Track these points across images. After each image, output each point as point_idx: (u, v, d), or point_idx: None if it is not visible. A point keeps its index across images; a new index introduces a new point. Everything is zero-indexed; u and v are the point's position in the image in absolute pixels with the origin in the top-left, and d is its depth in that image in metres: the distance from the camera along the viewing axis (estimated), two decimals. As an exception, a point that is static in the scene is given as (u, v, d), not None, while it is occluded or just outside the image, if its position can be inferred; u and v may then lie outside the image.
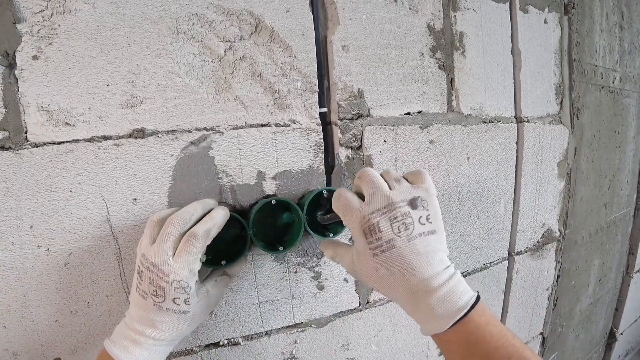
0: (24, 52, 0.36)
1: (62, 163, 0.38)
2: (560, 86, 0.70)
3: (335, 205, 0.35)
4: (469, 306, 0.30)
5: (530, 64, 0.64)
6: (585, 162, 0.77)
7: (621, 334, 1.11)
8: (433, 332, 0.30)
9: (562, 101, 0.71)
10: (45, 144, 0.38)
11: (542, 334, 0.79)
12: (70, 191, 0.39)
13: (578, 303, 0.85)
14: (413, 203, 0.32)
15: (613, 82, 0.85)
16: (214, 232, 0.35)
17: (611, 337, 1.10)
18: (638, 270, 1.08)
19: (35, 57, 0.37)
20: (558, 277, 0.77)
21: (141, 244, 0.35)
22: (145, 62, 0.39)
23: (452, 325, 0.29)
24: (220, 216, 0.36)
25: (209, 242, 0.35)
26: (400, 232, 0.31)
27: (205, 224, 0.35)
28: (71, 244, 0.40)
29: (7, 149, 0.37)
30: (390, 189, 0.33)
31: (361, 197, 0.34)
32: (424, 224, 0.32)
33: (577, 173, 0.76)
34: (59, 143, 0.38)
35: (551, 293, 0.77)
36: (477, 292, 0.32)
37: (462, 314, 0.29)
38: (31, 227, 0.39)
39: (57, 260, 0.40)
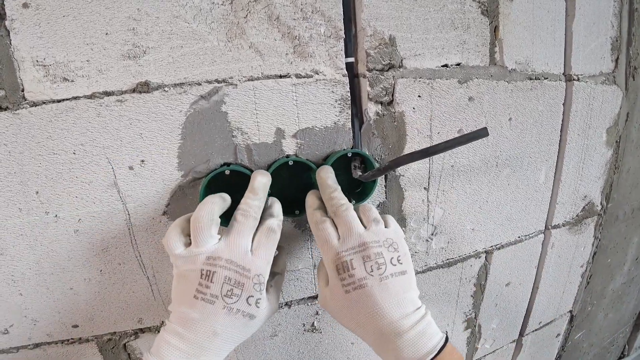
0: (13, 0, 0.32)
1: (62, 123, 0.35)
2: (617, 40, 0.61)
3: (315, 235, 0.36)
4: (437, 350, 0.30)
5: (585, 12, 0.55)
6: (636, 130, 0.69)
7: (650, 314, 1.06)
8: None
9: (617, 58, 0.62)
10: (44, 103, 0.35)
11: (571, 311, 0.76)
12: (74, 153, 0.36)
13: (612, 282, 0.81)
14: (385, 244, 0.33)
15: (674, 39, 0.74)
16: (281, 228, 0.35)
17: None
18: (677, 249, 1.01)
19: (25, 5, 0.33)
20: (594, 254, 0.72)
21: (203, 245, 0.31)
22: (147, 5, 0.34)
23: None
24: (280, 207, 0.37)
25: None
26: (372, 271, 0.32)
27: (278, 217, 0.35)
28: (79, 210, 0.38)
29: (4, 109, 0.34)
30: (365, 228, 0.34)
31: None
32: (395, 265, 0.32)
33: (627, 142, 0.68)
34: (59, 101, 0.35)
35: (585, 270, 0.72)
36: (446, 332, 0.33)
37: (430, 357, 0.30)
38: (37, 192, 0.36)
39: (66, 227, 0.38)
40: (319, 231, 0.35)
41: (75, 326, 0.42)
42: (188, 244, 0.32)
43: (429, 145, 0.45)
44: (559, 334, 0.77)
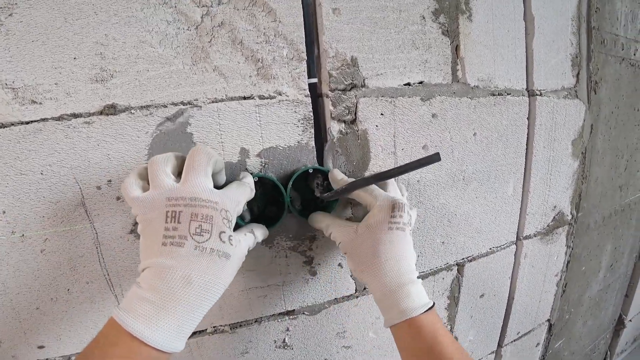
0: None
1: (30, 144, 0.36)
2: (577, 57, 0.64)
3: (363, 190, 0.39)
4: (431, 304, 0.36)
5: (544, 31, 0.58)
6: (601, 141, 0.72)
7: (630, 320, 1.08)
8: (407, 317, 0.34)
9: (578, 73, 0.65)
10: (12, 124, 0.35)
11: (549, 320, 0.76)
12: (42, 174, 0.36)
13: (588, 289, 0.82)
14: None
15: (635, 54, 0.78)
16: (253, 194, 0.36)
17: (620, 324, 1.06)
18: (653, 255, 1.03)
19: (-4, 30, 0.34)
20: (568, 262, 0.73)
21: (160, 185, 0.29)
22: (114, 31, 0.36)
23: (422, 313, 0.34)
24: (251, 177, 0.37)
25: (251, 197, 0.36)
26: (407, 222, 0.38)
27: (251, 182, 0.36)
28: (46, 230, 0.38)
29: (-28, 130, 0.35)
30: None
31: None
32: (412, 225, 0.40)
33: (593, 152, 0.70)
34: (27, 123, 0.36)
35: (560, 279, 0.73)
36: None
37: (430, 305, 0.35)
38: (4, 212, 0.37)
39: (33, 247, 0.38)
40: (367, 189, 0.39)
41: (42, 347, 0.41)
42: (147, 188, 0.31)
43: (392, 162, 0.46)
44: (538, 344, 0.78)
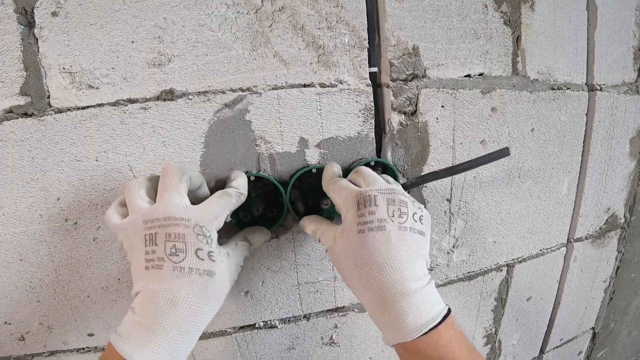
0: (43, 9, 0.33)
1: (86, 130, 0.35)
2: (639, 49, 0.60)
3: (331, 188, 0.33)
4: (440, 319, 0.28)
5: (607, 21, 0.55)
6: (658, 140, 0.67)
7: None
8: (399, 341, 0.28)
9: None
10: (69, 110, 0.35)
11: (593, 328, 0.73)
12: (96, 160, 0.36)
13: (636, 298, 0.78)
14: (411, 199, 0.31)
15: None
16: (243, 198, 0.33)
17: (663, 335, 1.01)
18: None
19: (54, 14, 0.33)
20: (618, 268, 0.70)
21: (136, 210, 0.29)
22: (173, 14, 0.35)
23: (421, 335, 0.27)
24: (244, 181, 0.35)
25: (236, 207, 0.33)
26: (394, 216, 0.29)
27: (238, 188, 0.33)
28: (99, 218, 0.38)
29: (30, 116, 0.34)
30: None
31: None
32: (416, 222, 0.30)
33: (650, 152, 0.66)
34: (83, 108, 0.35)
35: (609, 285, 0.70)
36: (448, 305, 0.30)
37: (433, 324, 0.27)
38: (58, 199, 0.36)
39: (85, 235, 0.38)
40: (335, 183, 0.33)
41: (91, 334, 0.41)
42: (127, 214, 0.30)
43: (450, 156, 0.44)
44: (580, 352, 0.74)
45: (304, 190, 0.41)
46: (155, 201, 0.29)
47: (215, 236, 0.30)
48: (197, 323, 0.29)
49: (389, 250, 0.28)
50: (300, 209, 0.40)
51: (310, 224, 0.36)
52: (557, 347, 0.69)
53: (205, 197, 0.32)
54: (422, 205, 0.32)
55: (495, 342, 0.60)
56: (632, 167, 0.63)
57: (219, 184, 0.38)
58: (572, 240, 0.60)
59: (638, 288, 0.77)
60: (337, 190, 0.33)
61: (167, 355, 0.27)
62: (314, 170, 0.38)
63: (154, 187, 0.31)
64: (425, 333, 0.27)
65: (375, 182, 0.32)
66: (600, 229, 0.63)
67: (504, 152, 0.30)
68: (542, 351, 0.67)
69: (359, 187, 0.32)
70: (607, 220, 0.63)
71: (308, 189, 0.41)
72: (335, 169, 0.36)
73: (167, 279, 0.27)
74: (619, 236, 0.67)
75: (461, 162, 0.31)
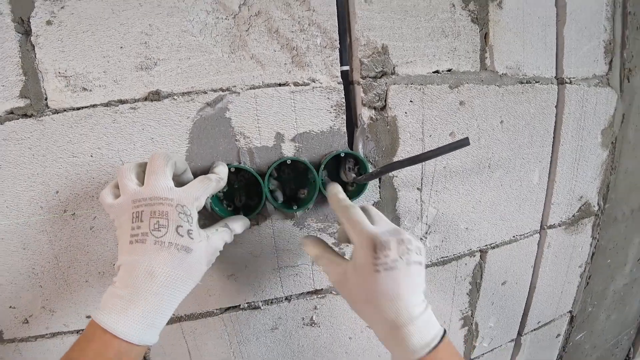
0: (38, 18, 0.36)
1: (82, 128, 0.38)
2: (610, 44, 0.62)
3: (346, 216, 0.36)
4: (440, 337, 0.32)
5: (576, 17, 0.57)
6: (633, 131, 0.70)
7: (657, 316, 1.05)
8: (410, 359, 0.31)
9: (611, 61, 0.63)
10: (65, 110, 0.38)
11: (570, 312, 0.76)
12: (91, 156, 0.39)
13: (612, 283, 0.81)
14: (411, 234, 0.35)
15: (673, 40, 0.75)
16: (222, 183, 0.37)
17: (645, 319, 1.04)
18: (683, 250, 1.00)
19: (49, 22, 0.37)
20: (593, 254, 0.72)
21: (126, 191, 0.32)
22: (158, 21, 0.38)
23: (427, 354, 0.30)
24: (224, 169, 0.38)
25: (216, 191, 0.36)
26: (402, 255, 0.32)
27: (219, 174, 0.37)
28: (95, 208, 0.41)
29: (29, 117, 0.38)
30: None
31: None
32: (418, 255, 0.34)
33: (623, 143, 0.68)
34: (78, 109, 0.38)
35: (584, 271, 0.72)
36: (444, 328, 0.33)
37: (434, 344, 0.31)
38: (57, 192, 0.40)
39: (83, 224, 0.41)
40: (351, 213, 0.35)
41: (89, 317, 0.45)
42: (118, 196, 0.33)
43: (420, 148, 0.47)
44: (559, 335, 0.78)
45: (283, 180, 0.44)
46: (143, 184, 0.32)
47: (195, 216, 0.33)
48: (173, 295, 0.31)
49: (399, 287, 0.32)
50: (278, 198, 0.44)
51: (314, 248, 0.38)
52: (534, 329, 0.72)
53: (189, 181, 0.35)
54: (418, 239, 0.36)
55: (472, 324, 0.63)
56: (605, 157, 0.66)
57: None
58: (545, 227, 0.63)
59: (615, 273, 0.79)
60: (351, 222, 0.35)
61: (143, 324, 0.29)
62: (288, 162, 0.41)
63: (143, 172, 0.34)
64: (429, 352, 0.31)
65: (382, 222, 0.36)
66: (573, 216, 0.66)
67: (464, 142, 0.32)
68: (520, 333, 0.71)
69: (369, 221, 0.35)
70: (580, 207, 0.66)
71: (286, 179, 0.44)
72: (337, 189, 0.39)
73: (149, 252, 0.30)
74: (593, 223, 0.69)
75: (422, 152, 0.34)
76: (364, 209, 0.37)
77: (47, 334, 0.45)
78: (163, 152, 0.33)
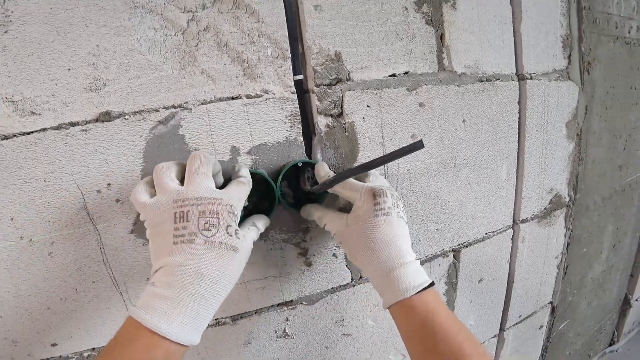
0: None
1: (32, 153, 0.38)
2: (568, 38, 0.64)
3: (342, 185, 0.39)
4: (427, 283, 0.36)
5: (532, 14, 0.58)
6: (597, 122, 0.71)
7: (636, 300, 1.07)
8: (399, 298, 0.35)
9: (570, 55, 0.65)
10: (15, 135, 0.37)
11: (551, 302, 0.77)
12: (45, 181, 0.38)
13: (590, 271, 0.82)
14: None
15: (629, 32, 0.77)
16: (251, 183, 0.37)
17: (625, 304, 1.06)
18: (657, 234, 1.02)
19: (-7, 47, 0.36)
20: (568, 244, 0.73)
21: (166, 190, 0.31)
22: (105, 41, 0.37)
23: (415, 294, 0.34)
24: (247, 171, 0.39)
25: (249, 191, 0.37)
26: (394, 207, 0.38)
27: (246, 177, 0.37)
28: (52, 233, 0.40)
29: (-22, 143, 0.37)
30: None
31: None
32: (403, 212, 0.40)
33: (589, 134, 0.70)
34: (28, 133, 0.37)
35: (561, 261, 0.73)
36: (432, 280, 0.37)
37: (424, 286, 0.35)
38: (12, 219, 0.39)
39: (41, 250, 0.40)
40: (345, 181, 0.39)
41: (55, 344, 0.44)
42: (154, 194, 0.32)
43: (381, 153, 0.47)
44: (541, 326, 0.78)
45: (291, 182, 0.45)
46: (182, 184, 0.32)
47: (239, 217, 0.34)
48: (219, 295, 0.31)
49: (393, 231, 0.37)
50: (289, 199, 0.44)
51: (316, 211, 0.42)
52: (516, 323, 0.72)
53: (220, 184, 0.36)
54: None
55: (451, 322, 0.63)
56: (571, 149, 0.67)
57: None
58: (518, 221, 0.64)
59: (592, 261, 0.81)
60: (349, 187, 0.39)
61: (191, 327, 0.28)
62: (300, 164, 0.42)
63: (181, 172, 0.34)
64: (418, 292, 0.34)
65: (378, 179, 0.42)
66: (545, 209, 0.67)
67: (417, 145, 0.32)
68: (502, 328, 0.71)
69: (364, 182, 0.40)
70: (551, 200, 0.67)
71: (294, 181, 0.45)
72: (326, 167, 0.42)
73: (197, 252, 0.29)
74: (565, 214, 0.70)
75: (376, 157, 0.34)
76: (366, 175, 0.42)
77: (11, 366, 0.43)
78: (203, 152, 0.34)
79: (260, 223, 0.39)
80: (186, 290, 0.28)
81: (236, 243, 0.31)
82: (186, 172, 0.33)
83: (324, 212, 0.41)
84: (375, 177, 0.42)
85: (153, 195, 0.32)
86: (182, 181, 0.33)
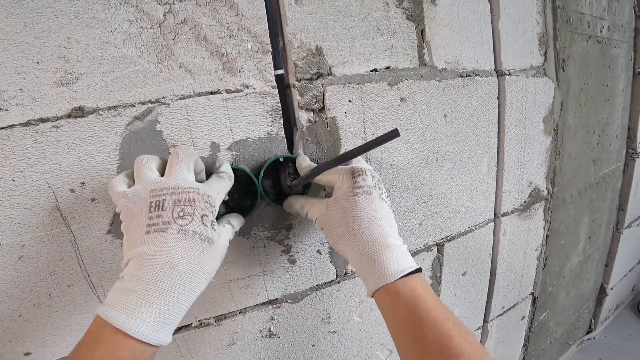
0: None
1: (0, 151, 0.36)
2: (544, 36, 0.66)
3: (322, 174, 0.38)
4: (414, 268, 0.34)
5: (510, 11, 0.60)
6: (572, 117, 0.74)
7: (611, 289, 1.12)
8: (383, 283, 0.33)
9: (546, 52, 0.67)
10: (-20, 132, 0.35)
11: (532, 294, 0.79)
12: (13, 180, 0.36)
13: (568, 261, 0.85)
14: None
15: (601, 32, 0.80)
16: (232, 179, 0.37)
17: (602, 293, 1.10)
18: (628, 226, 1.07)
19: (-46, 38, 0.34)
20: (547, 236, 0.76)
21: (145, 179, 0.30)
22: (76, 33, 0.36)
23: (400, 278, 0.33)
24: (229, 166, 0.38)
25: (230, 187, 0.37)
26: (375, 187, 0.37)
27: (227, 172, 0.37)
28: (22, 236, 0.38)
29: (-60, 141, 0.34)
30: None
31: None
32: (387, 198, 0.39)
33: (564, 129, 0.72)
34: (-6, 130, 0.36)
35: (540, 253, 0.76)
36: (420, 266, 0.35)
37: (410, 270, 0.33)
38: (-22, 221, 0.37)
39: (10, 254, 0.38)
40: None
41: (28, 353, 0.42)
42: (132, 186, 0.31)
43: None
44: (524, 317, 0.80)
45: (273, 178, 0.44)
46: (162, 176, 0.31)
47: (217, 210, 0.33)
48: (192, 289, 0.28)
49: (375, 211, 0.35)
50: (271, 195, 0.44)
51: (297, 201, 0.41)
52: (499, 315, 0.74)
53: (202, 182, 0.35)
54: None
55: (437, 316, 0.64)
56: (548, 143, 0.69)
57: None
58: (499, 215, 0.65)
59: (569, 252, 0.84)
60: (332, 171, 0.38)
61: (160, 324, 0.26)
62: (281, 159, 0.42)
63: (162, 165, 0.33)
64: (404, 277, 0.32)
65: (361, 161, 0.41)
66: (525, 202, 0.68)
67: (393, 134, 0.32)
68: (485, 320, 0.73)
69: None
70: (530, 193, 0.69)
71: (276, 176, 0.44)
72: (308, 159, 0.42)
73: (169, 241, 0.28)
74: (544, 207, 0.72)
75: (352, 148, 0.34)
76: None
77: (-18, 377, 0.41)
78: (186, 147, 0.34)
79: (235, 222, 0.38)
80: (156, 282, 0.26)
81: (212, 235, 0.30)
82: (167, 164, 0.32)
83: (305, 200, 0.41)
84: (358, 161, 0.41)
85: (131, 186, 0.32)
86: (162, 174, 0.32)
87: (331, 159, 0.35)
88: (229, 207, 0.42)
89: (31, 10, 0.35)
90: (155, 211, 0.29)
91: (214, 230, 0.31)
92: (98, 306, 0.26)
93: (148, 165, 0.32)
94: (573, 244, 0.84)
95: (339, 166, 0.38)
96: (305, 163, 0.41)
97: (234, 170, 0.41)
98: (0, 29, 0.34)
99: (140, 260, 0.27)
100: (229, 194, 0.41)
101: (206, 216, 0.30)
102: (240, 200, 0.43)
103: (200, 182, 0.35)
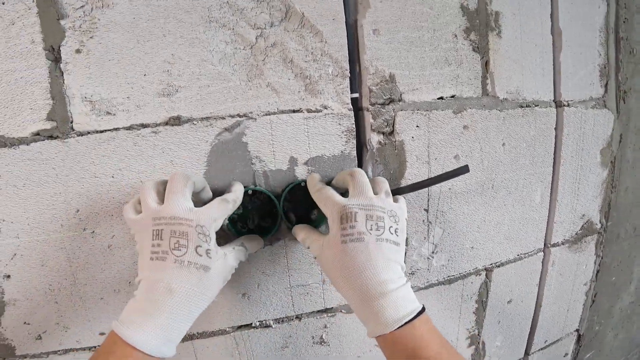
0: (68, 47, 0.38)
1: (104, 150, 0.40)
2: (605, 67, 0.65)
3: (318, 197, 0.38)
4: (415, 313, 0.32)
5: (572, 44, 0.60)
6: (631, 150, 0.72)
7: (664, 335, 1.04)
8: (380, 333, 0.32)
9: (607, 84, 0.66)
10: (89, 133, 0.40)
11: (577, 330, 0.76)
12: (112, 177, 0.41)
13: (618, 301, 0.81)
14: (389, 213, 0.35)
15: (664, 64, 0.78)
16: (238, 203, 0.38)
17: (653, 338, 1.03)
18: (687, 268, 1.00)
19: (78, 51, 0.39)
20: (597, 272, 0.73)
21: (147, 208, 0.34)
22: (180, 51, 0.40)
23: (398, 328, 0.31)
24: (241, 189, 0.39)
25: (233, 210, 0.37)
26: (371, 229, 0.34)
27: (235, 193, 0.38)
28: (114, 227, 0.42)
29: (55, 138, 0.39)
30: (375, 194, 0.36)
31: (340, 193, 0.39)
32: (392, 234, 0.35)
33: (622, 162, 0.70)
34: (102, 131, 0.40)
35: (589, 289, 0.73)
36: (423, 305, 0.34)
37: (409, 318, 0.31)
38: (77, 210, 0.41)
39: (101, 243, 0.42)
40: (321, 193, 0.38)
41: (103, 334, 0.46)
42: (140, 212, 0.35)
43: (426, 171, 0.49)
44: (566, 354, 0.77)
45: (295, 202, 0.46)
46: (163, 202, 0.34)
47: (214, 236, 0.34)
48: (190, 310, 0.33)
49: (368, 257, 0.33)
50: (292, 219, 0.45)
51: (301, 232, 0.41)
52: (541, 348, 0.72)
53: (208, 199, 0.37)
54: (400, 217, 0.36)
55: (478, 343, 0.63)
56: (605, 176, 0.68)
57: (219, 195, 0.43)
58: (549, 245, 0.64)
59: (620, 291, 0.80)
60: (322, 200, 0.38)
61: (161, 337, 0.31)
62: (302, 184, 0.43)
63: (164, 190, 0.35)
64: (402, 326, 0.31)
65: (361, 195, 0.36)
66: (576, 234, 0.67)
67: (463, 170, 0.33)
68: (527, 353, 0.70)
69: (347, 191, 0.37)
70: (582, 225, 0.67)
71: (298, 200, 0.46)
72: (317, 177, 0.42)
73: (169, 269, 0.32)
74: (596, 241, 0.70)
75: (425, 179, 0.35)
76: (351, 175, 0.38)
77: (59, 351, 0.45)
78: (182, 172, 0.35)
79: (251, 244, 0.40)
80: (157, 304, 0.31)
81: (207, 262, 0.33)
82: (165, 191, 0.34)
83: (308, 233, 0.40)
84: (360, 191, 0.36)
85: (140, 212, 0.35)
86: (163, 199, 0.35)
87: (405, 185, 0.37)
88: (248, 228, 0.45)
89: (144, 29, 0.40)
90: (156, 239, 0.32)
91: (209, 257, 0.33)
92: (113, 322, 0.31)
93: (149, 193, 0.34)
94: (625, 283, 0.80)
95: (334, 198, 0.36)
96: (314, 181, 0.41)
97: (256, 192, 0.43)
98: (117, 45, 0.40)
99: (146, 283, 0.32)
100: (250, 213, 0.44)
101: (200, 246, 0.33)
102: (261, 220, 0.45)
103: (203, 200, 0.37)
